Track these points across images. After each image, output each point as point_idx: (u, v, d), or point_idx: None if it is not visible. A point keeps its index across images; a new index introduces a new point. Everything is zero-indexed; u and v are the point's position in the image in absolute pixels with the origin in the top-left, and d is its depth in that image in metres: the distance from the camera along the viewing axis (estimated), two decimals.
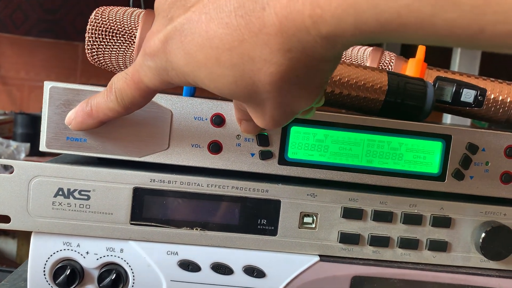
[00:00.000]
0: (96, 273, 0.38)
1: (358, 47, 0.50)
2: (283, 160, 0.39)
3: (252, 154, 0.39)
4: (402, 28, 0.20)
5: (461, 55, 1.05)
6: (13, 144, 0.93)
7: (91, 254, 0.38)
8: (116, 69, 0.41)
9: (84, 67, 1.59)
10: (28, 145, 0.99)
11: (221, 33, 0.24)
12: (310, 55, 0.23)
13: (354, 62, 0.49)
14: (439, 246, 0.40)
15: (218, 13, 0.24)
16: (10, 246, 1.32)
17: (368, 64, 0.49)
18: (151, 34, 0.28)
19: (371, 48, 0.49)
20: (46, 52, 1.58)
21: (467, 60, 1.04)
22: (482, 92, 0.47)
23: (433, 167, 0.40)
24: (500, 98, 0.47)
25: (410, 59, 0.48)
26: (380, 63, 0.49)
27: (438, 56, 1.15)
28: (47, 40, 1.60)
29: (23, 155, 0.92)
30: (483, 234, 0.40)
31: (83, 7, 1.56)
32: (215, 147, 0.38)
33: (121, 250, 0.38)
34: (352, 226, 0.40)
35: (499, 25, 0.18)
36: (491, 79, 0.47)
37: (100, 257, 0.38)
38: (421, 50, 0.48)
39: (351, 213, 0.39)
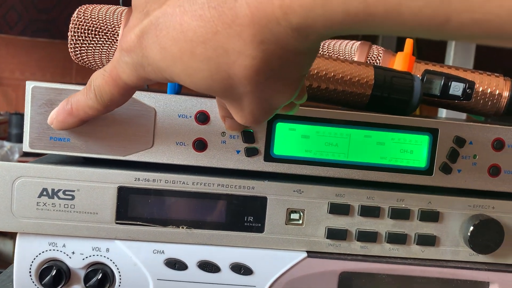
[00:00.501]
0: (82, 273, 0.38)
1: (346, 41, 0.50)
2: (268, 157, 0.39)
3: (238, 151, 0.39)
4: (370, 18, 0.20)
5: (455, 48, 1.04)
6: (7, 144, 0.93)
7: (77, 254, 0.38)
8: (100, 67, 0.41)
9: (79, 66, 1.58)
10: (22, 145, 0.99)
11: (195, 25, 0.24)
12: (284, 47, 0.23)
13: (341, 57, 0.49)
14: (427, 240, 0.40)
15: (192, 5, 0.24)
16: (8, 247, 1.32)
17: (355, 59, 0.48)
18: (128, 30, 0.27)
19: (359, 42, 0.49)
20: (40, 51, 1.58)
21: (462, 53, 1.04)
22: (471, 85, 0.46)
23: (421, 161, 0.40)
24: (489, 90, 0.46)
25: (398, 53, 0.48)
26: (368, 57, 0.48)
27: (433, 50, 1.16)
28: (42, 40, 1.59)
29: (17, 156, 0.91)
30: (472, 228, 0.39)
31: (77, 5, 1.55)
32: (200, 145, 0.38)
33: (107, 250, 0.38)
34: (339, 222, 0.39)
35: (464, 13, 0.18)
36: (480, 71, 0.47)
37: (86, 257, 0.38)
38: (408, 44, 0.47)
39: (338, 209, 0.39)
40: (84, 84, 0.38)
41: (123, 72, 0.28)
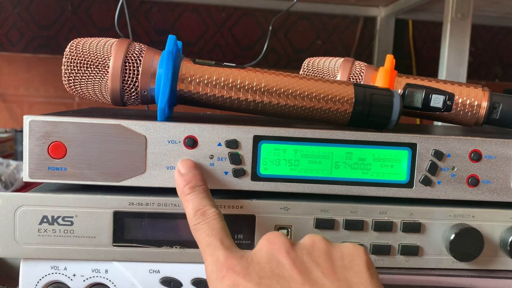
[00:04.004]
0: None
1: (330, 58, 0.52)
2: (255, 177, 0.41)
3: (226, 173, 0.41)
4: None
5: (448, 56, 1.06)
6: (13, 163, 0.96)
7: (77, 276, 0.40)
8: (93, 98, 0.43)
9: None
10: None
11: None
12: None
13: (325, 75, 0.51)
14: (411, 250, 0.42)
15: None
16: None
17: (339, 75, 0.50)
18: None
19: (342, 59, 0.51)
20: (43, 67, 1.61)
21: (454, 61, 1.06)
22: (450, 96, 0.48)
23: (401, 175, 0.42)
24: (468, 101, 0.48)
25: (380, 68, 0.50)
26: (351, 74, 0.50)
27: (428, 62, 1.17)
28: (44, 56, 1.63)
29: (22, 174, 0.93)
30: (452, 237, 0.41)
31: (76, 21, 1.58)
32: None
33: (106, 271, 0.40)
34: (325, 236, 0.41)
35: None
36: (459, 83, 0.49)
37: (87, 279, 0.40)
38: (389, 59, 0.49)
39: (323, 224, 0.41)
40: (68, 115, 0.39)
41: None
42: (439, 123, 0.87)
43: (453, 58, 1.08)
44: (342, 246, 0.33)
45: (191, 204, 0.36)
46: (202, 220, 0.35)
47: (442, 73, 1.07)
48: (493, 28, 1.49)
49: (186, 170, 0.39)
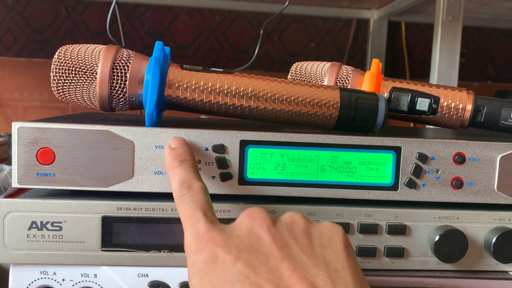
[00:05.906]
0: None
1: (317, 63, 0.53)
2: (242, 181, 0.41)
3: (213, 177, 0.41)
4: None
5: (440, 57, 1.07)
6: (6, 168, 0.96)
7: (67, 281, 0.41)
8: (81, 104, 0.44)
9: None
10: None
11: None
12: None
13: (312, 79, 0.51)
14: (396, 252, 0.42)
15: None
16: None
17: (326, 79, 0.51)
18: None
19: (329, 63, 0.52)
20: (37, 71, 1.61)
21: (446, 63, 1.07)
22: (436, 100, 0.49)
23: (386, 178, 0.42)
24: (453, 105, 0.49)
25: (367, 72, 0.50)
26: (337, 78, 0.51)
27: (421, 65, 1.17)
28: (38, 60, 1.63)
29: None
30: (437, 238, 0.42)
31: (71, 25, 1.59)
32: None
33: (95, 275, 0.41)
34: None
35: None
36: (444, 86, 0.49)
37: (76, 283, 0.41)
38: (375, 64, 0.50)
39: None
40: (56, 122, 0.40)
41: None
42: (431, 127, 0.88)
43: (444, 60, 1.09)
44: (321, 224, 0.33)
45: (178, 177, 0.36)
46: (187, 192, 0.35)
47: (434, 75, 1.08)
48: (485, 29, 1.50)
49: (177, 145, 0.39)
